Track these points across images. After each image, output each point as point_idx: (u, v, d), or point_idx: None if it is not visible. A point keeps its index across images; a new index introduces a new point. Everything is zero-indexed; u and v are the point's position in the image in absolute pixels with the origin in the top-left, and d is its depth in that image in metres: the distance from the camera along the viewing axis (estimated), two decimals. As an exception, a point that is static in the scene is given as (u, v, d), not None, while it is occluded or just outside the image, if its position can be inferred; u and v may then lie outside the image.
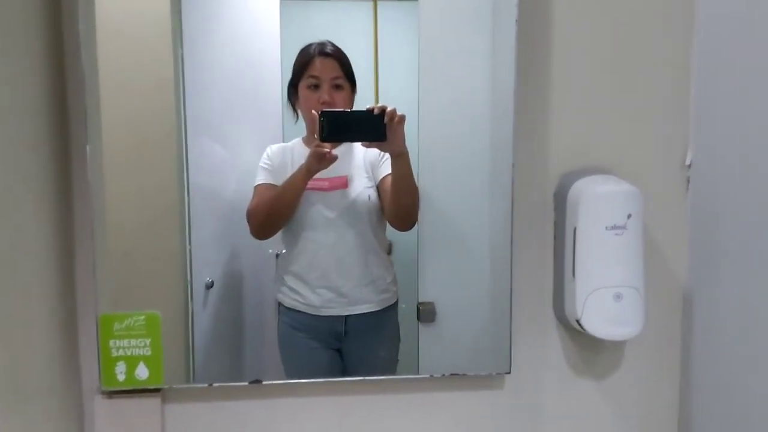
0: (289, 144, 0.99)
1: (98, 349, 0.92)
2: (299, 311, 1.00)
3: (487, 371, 1.01)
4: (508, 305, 0.99)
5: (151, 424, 0.95)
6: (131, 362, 0.93)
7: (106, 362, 0.93)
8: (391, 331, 1.03)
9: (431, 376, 1.01)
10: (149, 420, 0.95)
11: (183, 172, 0.97)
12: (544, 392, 1.05)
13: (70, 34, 0.91)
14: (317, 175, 0.96)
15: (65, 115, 0.92)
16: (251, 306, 1.02)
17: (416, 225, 1.00)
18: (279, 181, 0.98)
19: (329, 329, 1.01)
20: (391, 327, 1.03)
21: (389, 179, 0.98)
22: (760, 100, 0.88)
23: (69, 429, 0.93)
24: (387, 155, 0.98)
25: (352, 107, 0.99)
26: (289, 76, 0.97)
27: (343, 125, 0.95)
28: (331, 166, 0.96)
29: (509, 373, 1.01)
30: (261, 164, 0.98)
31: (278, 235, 1.00)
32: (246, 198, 0.98)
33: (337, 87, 0.98)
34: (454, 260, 1.03)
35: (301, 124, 0.99)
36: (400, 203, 0.99)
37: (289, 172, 0.97)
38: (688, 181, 1.03)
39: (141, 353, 0.93)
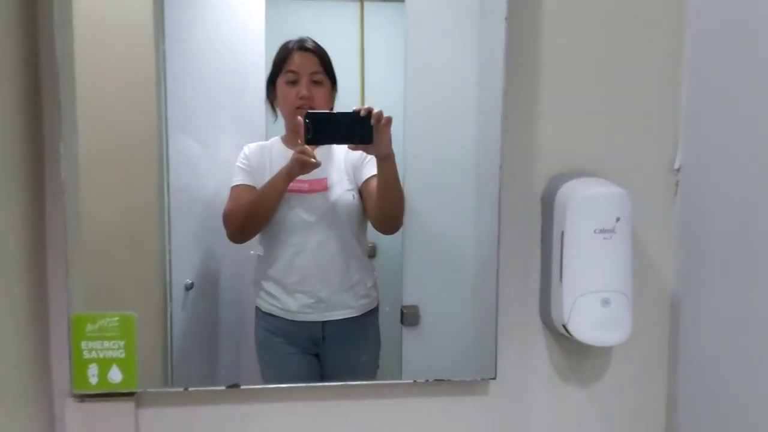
0: (268, 143, 0.97)
1: (70, 350, 0.90)
2: (276, 316, 0.98)
3: (471, 376, 1.00)
4: (494, 309, 0.98)
5: (124, 429, 0.93)
6: (104, 365, 0.91)
7: (78, 365, 0.90)
8: (371, 337, 1.01)
9: (415, 381, 0.99)
10: (122, 425, 0.93)
11: (163, 170, 0.95)
12: (530, 398, 1.04)
13: (45, 23, 0.88)
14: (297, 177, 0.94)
15: (39, 110, 0.90)
16: (231, 308, 1.00)
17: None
18: (257, 182, 0.96)
19: (307, 335, 0.99)
20: (371, 332, 1.01)
21: (373, 182, 0.96)
22: (749, 104, 0.88)
23: (39, 433, 0.91)
24: (369, 157, 0.96)
25: (332, 105, 0.97)
26: (273, 75, 0.96)
27: (329, 127, 0.93)
28: None
29: (494, 378, 1.00)
30: (238, 164, 0.96)
31: (257, 237, 0.98)
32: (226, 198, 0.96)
33: (316, 83, 0.96)
34: (439, 263, 1.01)
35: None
36: (385, 207, 0.97)
37: (268, 173, 0.95)
38: (677, 185, 1.03)
39: (114, 356, 0.91)
